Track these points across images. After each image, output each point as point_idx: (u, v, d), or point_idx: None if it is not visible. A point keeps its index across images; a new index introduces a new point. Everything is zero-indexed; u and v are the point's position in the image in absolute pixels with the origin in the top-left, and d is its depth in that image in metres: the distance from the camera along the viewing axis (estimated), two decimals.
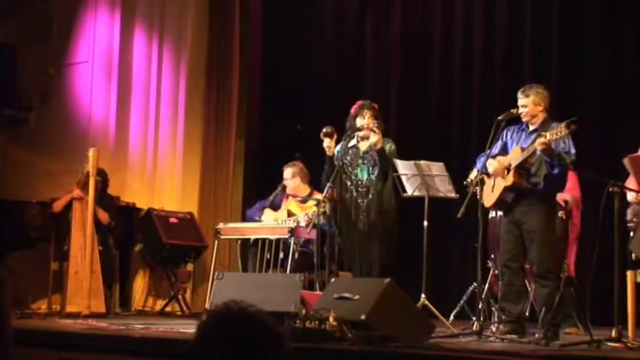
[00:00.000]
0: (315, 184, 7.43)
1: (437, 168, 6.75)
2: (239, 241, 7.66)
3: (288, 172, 7.50)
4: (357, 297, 5.10)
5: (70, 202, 7.55)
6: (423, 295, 6.38)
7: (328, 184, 6.56)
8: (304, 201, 7.41)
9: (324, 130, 6.85)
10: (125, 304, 8.42)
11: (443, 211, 6.97)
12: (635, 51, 7.74)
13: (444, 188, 6.71)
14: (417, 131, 8.68)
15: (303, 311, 5.18)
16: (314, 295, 5.85)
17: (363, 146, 6.84)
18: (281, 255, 6.97)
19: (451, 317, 7.00)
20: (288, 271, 6.71)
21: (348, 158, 6.85)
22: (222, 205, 9.04)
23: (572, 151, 5.65)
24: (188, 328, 5.54)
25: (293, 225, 6.86)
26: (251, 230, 7.25)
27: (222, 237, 7.34)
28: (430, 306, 6.34)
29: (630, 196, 5.80)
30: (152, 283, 8.76)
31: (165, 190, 9.07)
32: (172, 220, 8.50)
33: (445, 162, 6.85)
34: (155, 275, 8.74)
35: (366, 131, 6.76)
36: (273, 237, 6.98)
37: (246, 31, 9.30)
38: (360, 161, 6.82)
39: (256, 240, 7.14)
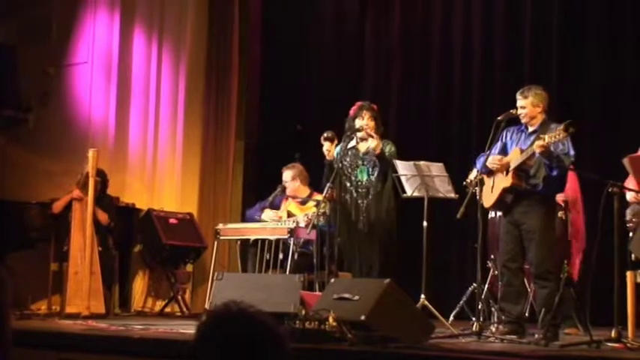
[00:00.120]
0: (315, 185, 7.43)
1: (436, 168, 6.75)
2: (239, 242, 7.66)
3: (287, 174, 7.49)
4: (356, 297, 5.10)
5: (69, 203, 7.55)
6: (422, 296, 6.38)
7: (328, 185, 6.56)
8: (304, 202, 7.41)
9: (325, 134, 6.86)
10: (125, 305, 8.42)
11: (442, 211, 6.97)
12: (635, 51, 7.74)
13: (444, 189, 6.70)
14: (416, 132, 8.68)
15: (303, 312, 5.18)
16: (314, 295, 5.85)
17: (363, 147, 6.84)
18: (280, 255, 6.97)
19: (451, 318, 7.00)
20: (287, 272, 6.71)
21: (348, 159, 6.85)
22: (221, 205, 9.04)
23: (572, 152, 5.66)
24: (188, 329, 5.54)
25: (292, 226, 6.86)
26: (251, 231, 7.24)
27: (221, 237, 7.34)
28: (430, 306, 6.34)
29: (630, 196, 5.80)
30: (152, 284, 8.75)
31: (164, 191, 9.07)
32: (172, 220, 8.50)
33: (445, 162, 6.85)
34: (155, 276, 8.74)
35: (364, 134, 6.76)
36: (272, 237, 6.98)
37: (245, 31, 9.31)
38: (360, 162, 6.82)
39: (256, 240, 7.14)
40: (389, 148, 6.81)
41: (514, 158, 5.77)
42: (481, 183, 5.96)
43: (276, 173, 7.71)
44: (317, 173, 7.27)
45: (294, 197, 7.48)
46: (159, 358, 4.92)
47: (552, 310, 5.44)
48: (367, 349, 4.64)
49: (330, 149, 6.85)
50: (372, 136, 6.67)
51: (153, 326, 6.15)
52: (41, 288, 7.91)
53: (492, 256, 6.94)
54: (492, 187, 5.92)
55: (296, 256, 6.90)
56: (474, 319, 6.11)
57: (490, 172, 5.93)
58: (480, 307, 6.07)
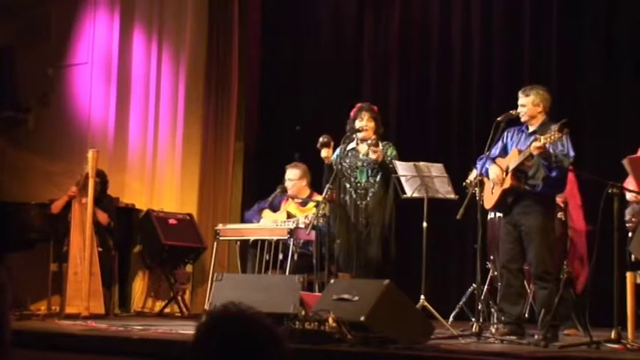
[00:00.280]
0: (314, 186, 7.43)
1: (436, 169, 6.75)
2: (238, 243, 7.66)
3: (295, 173, 7.47)
4: (356, 298, 5.10)
5: (69, 203, 7.55)
6: (422, 297, 6.37)
7: (327, 186, 6.56)
8: (304, 203, 7.41)
9: (320, 140, 6.84)
10: (124, 306, 8.42)
11: (442, 212, 6.97)
12: (635, 51, 7.74)
13: (444, 189, 6.70)
14: (416, 132, 8.68)
15: (303, 312, 5.19)
16: (313, 296, 5.85)
17: (363, 149, 6.84)
18: (280, 256, 6.97)
19: (450, 318, 6.99)
20: (287, 273, 6.71)
21: (347, 161, 6.84)
22: (221, 206, 9.04)
23: (571, 153, 5.66)
24: (187, 330, 5.53)
25: (292, 226, 6.86)
26: (250, 231, 7.24)
27: (221, 238, 7.34)
28: (429, 307, 6.34)
29: (629, 196, 5.80)
30: (151, 285, 8.75)
31: (164, 192, 9.07)
32: (171, 221, 8.50)
33: (444, 163, 6.85)
34: (154, 276, 8.74)
35: (365, 138, 6.76)
36: (272, 238, 6.97)
37: (245, 32, 9.30)
38: (360, 164, 6.82)
39: (255, 241, 7.14)
40: (390, 151, 6.80)
41: (513, 159, 5.77)
42: (481, 184, 5.97)
43: (276, 174, 7.70)
44: (316, 174, 7.27)
45: (294, 197, 7.48)
46: (158, 358, 4.92)
47: (552, 310, 5.44)
48: (367, 349, 4.64)
49: (328, 154, 6.84)
50: (375, 151, 6.65)
51: (152, 327, 6.15)
52: (41, 288, 7.92)
53: (492, 257, 6.94)
54: (493, 188, 5.92)
55: (295, 257, 6.90)
56: (473, 319, 6.11)
57: None
58: (479, 307, 6.07)
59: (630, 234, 5.78)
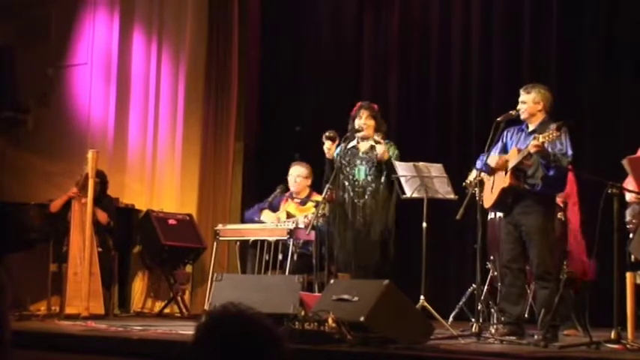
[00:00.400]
0: (314, 186, 7.43)
1: (436, 169, 6.75)
2: (238, 243, 7.66)
3: (302, 170, 7.46)
4: (356, 298, 5.10)
5: (69, 204, 7.55)
6: (422, 297, 6.37)
7: (327, 186, 6.57)
8: (303, 202, 7.41)
9: (328, 133, 6.85)
10: (124, 306, 8.42)
11: (442, 212, 6.97)
12: (635, 52, 7.74)
13: (443, 189, 6.70)
14: (415, 132, 8.67)
15: (302, 313, 5.19)
16: (313, 296, 5.85)
17: (363, 147, 6.84)
18: (280, 256, 6.97)
19: (450, 319, 6.99)
20: (287, 273, 6.71)
21: (347, 158, 6.84)
22: (221, 206, 9.04)
23: (570, 152, 5.66)
24: (187, 330, 5.53)
25: (292, 226, 6.86)
26: (250, 232, 7.24)
27: (221, 238, 7.34)
28: (429, 307, 6.33)
29: (629, 196, 5.80)
30: (151, 285, 8.75)
31: (164, 192, 9.07)
32: (171, 221, 8.50)
33: (444, 163, 6.85)
34: (154, 277, 8.74)
35: (365, 133, 6.77)
36: (272, 238, 6.97)
37: (244, 32, 9.30)
38: (358, 162, 6.81)
39: (255, 241, 7.13)
40: (392, 151, 6.81)
41: (512, 158, 5.77)
42: (480, 184, 5.96)
43: (276, 174, 7.70)
44: (316, 174, 7.27)
45: (295, 195, 7.48)
46: (158, 359, 4.92)
47: (552, 311, 5.44)
48: (366, 350, 4.64)
49: (330, 148, 6.84)
50: (380, 142, 6.66)
51: (152, 327, 6.15)
52: (40, 289, 7.92)
53: (491, 257, 6.94)
54: (492, 187, 5.92)
55: (295, 257, 6.90)
56: (473, 320, 6.11)
57: (491, 171, 5.93)
58: (479, 308, 6.07)
59: (631, 235, 5.77)
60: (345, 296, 5.14)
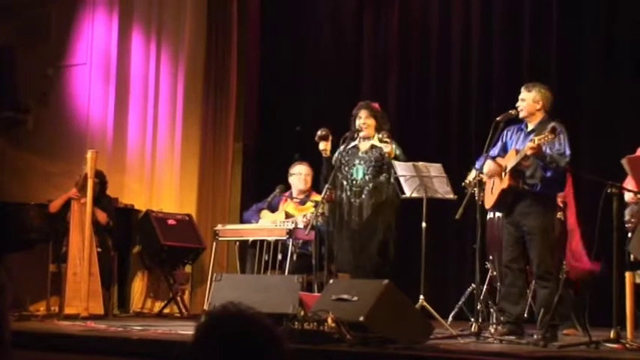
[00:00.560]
0: (314, 186, 7.43)
1: (435, 169, 6.74)
2: (237, 243, 7.66)
3: (304, 168, 7.45)
4: (355, 298, 5.10)
5: (68, 204, 7.55)
6: (421, 297, 6.37)
7: (326, 186, 6.56)
8: (302, 202, 7.41)
9: (318, 133, 6.84)
10: (123, 306, 8.42)
11: (441, 212, 6.97)
12: (635, 52, 7.74)
13: (443, 189, 6.70)
14: (415, 132, 8.67)
15: (302, 313, 5.18)
16: (312, 296, 5.85)
17: (364, 147, 6.84)
18: (279, 256, 6.96)
19: (449, 318, 6.99)
20: (286, 273, 6.71)
21: (346, 158, 6.84)
22: (220, 206, 9.04)
23: (568, 152, 5.65)
24: (186, 330, 5.53)
25: (291, 227, 6.86)
26: (249, 232, 7.24)
27: (220, 238, 7.34)
28: (428, 307, 6.33)
29: (628, 197, 5.80)
30: (150, 285, 8.75)
31: (163, 192, 9.07)
32: (170, 221, 8.50)
33: (443, 163, 6.85)
34: (153, 277, 8.74)
35: (365, 132, 6.77)
36: (271, 238, 6.97)
37: (244, 32, 9.30)
38: (357, 161, 6.80)
39: (254, 241, 7.13)
40: (397, 151, 6.80)
41: (510, 159, 5.77)
42: (480, 184, 5.97)
43: (275, 174, 7.70)
44: (316, 174, 7.27)
45: (292, 198, 7.48)
46: (158, 359, 4.92)
47: (551, 310, 5.44)
48: (366, 350, 4.64)
49: (326, 147, 6.83)
50: (387, 142, 6.66)
51: (152, 327, 6.15)
52: (40, 289, 7.91)
53: (491, 257, 6.94)
54: (492, 187, 5.92)
55: (295, 257, 6.90)
56: (472, 319, 6.11)
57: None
58: (478, 307, 6.07)
59: (630, 234, 5.78)
60: (345, 296, 5.14)
